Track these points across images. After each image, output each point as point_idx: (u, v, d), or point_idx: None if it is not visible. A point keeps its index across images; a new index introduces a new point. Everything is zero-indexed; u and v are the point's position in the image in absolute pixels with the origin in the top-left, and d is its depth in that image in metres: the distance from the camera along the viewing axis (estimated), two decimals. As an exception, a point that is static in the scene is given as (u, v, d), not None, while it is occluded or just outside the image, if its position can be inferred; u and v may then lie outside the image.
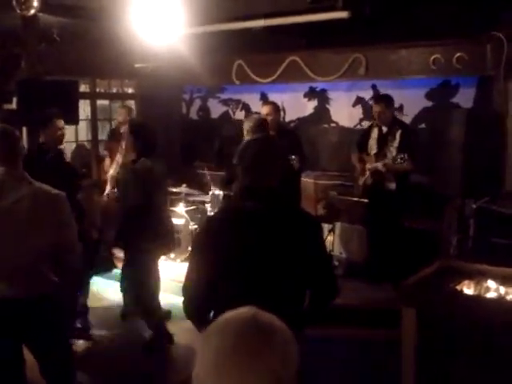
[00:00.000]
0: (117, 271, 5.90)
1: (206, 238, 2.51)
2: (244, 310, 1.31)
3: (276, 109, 6.04)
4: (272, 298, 2.33)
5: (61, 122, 4.98)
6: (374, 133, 5.86)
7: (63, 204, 3.01)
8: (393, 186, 5.67)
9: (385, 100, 5.78)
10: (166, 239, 4.80)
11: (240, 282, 2.37)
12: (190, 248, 6.42)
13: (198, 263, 2.48)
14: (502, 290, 3.31)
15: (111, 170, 6.38)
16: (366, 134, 5.98)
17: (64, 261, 3.06)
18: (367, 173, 5.76)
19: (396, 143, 5.61)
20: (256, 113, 7.74)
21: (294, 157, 5.49)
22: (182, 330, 4.84)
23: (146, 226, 4.56)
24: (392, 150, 5.61)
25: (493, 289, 3.32)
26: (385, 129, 5.76)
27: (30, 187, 2.93)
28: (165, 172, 4.75)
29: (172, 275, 6.13)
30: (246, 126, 5.51)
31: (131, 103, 8.85)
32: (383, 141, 5.70)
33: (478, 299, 3.26)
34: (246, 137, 5.37)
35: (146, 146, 4.62)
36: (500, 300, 3.27)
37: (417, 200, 5.90)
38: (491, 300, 3.26)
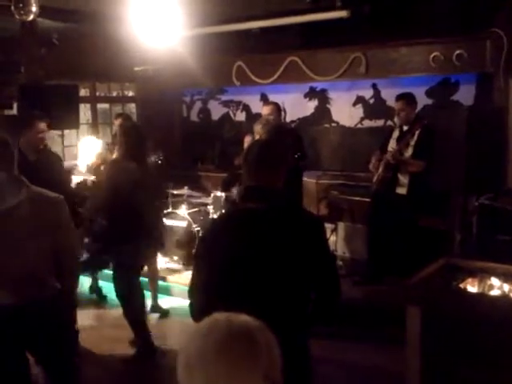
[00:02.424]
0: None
1: (210, 240, 2.51)
2: (216, 320, 1.30)
3: (277, 109, 6.05)
4: (276, 298, 2.34)
5: (43, 125, 4.75)
6: (395, 133, 5.82)
7: (62, 207, 3.00)
8: (403, 190, 5.62)
9: (406, 97, 5.70)
10: (150, 243, 4.76)
11: (244, 283, 2.37)
12: (193, 250, 6.43)
13: (202, 265, 2.48)
14: (506, 287, 3.30)
15: None
16: (388, 135, 5.94)
17: (64, 264, 3.05)
18: (380, 169, 5.73)
19: (413, 142, 5.56)
20: (256, 114, 7.76)
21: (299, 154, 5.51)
22: (179, 332, 4.83)
23: (128, 229, 4.49)
24: (409, 149, 5.58)
25: (496, 286, 3.31)
26: (406, 128, 5.71)
27: (28, 191, 2.92)
28: (148, 175, 4.65)
29: (175, 277, 6.14)
30: (257, 129, 5.52)
31: (132, 106, 8.87)
32: (402, 139, 5.66)
33: (482, 297, 3.25)
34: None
35: (132, 146, 4.55)
36: (504, 297, 3.26)
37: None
38: (495, 298, 3.25)
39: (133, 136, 4.61)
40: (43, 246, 2.93)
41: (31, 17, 4.96)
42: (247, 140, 6.15)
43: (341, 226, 6.64)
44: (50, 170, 4.71)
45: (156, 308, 5.60)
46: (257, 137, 5.52)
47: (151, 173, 4.70)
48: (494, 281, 3.34)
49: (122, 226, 4.50)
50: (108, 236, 4.66)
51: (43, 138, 4.82)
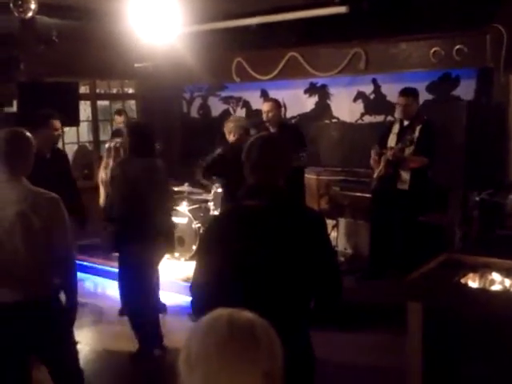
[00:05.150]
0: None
1: (211, 237, 2.52)
2: (219, 317, 1.30)
3: (277, 105, 6.05)
4: (278, 295, 2.34)
5: (58, 123, 4.90)
6: (395, 128, 5.77)
7: (58, 206, 2.99)
8: (405, 186, 5.60)
9: (412, 93, 5.66)
10: (162, 240, 4.66)
11: (246, 280, 2.37)
12: (194, 247, 6.44)
13: (204, 262, 2.48)
14: (507, 282, 3.30)
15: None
16: (388, 129, 5.89)
17: (61, 264, 3.05)
18: (381, 165, 5.70)
19: (415, 138, 5.50)
20: (256, 110, 7.77)
21: (303, 154, 5.51)
22: (178, 328, 4.83)
23: (138, 227, 4.45)
24: (411, 146, 5.54)
25: (498, 281, 3.30)
26: (406, 123, 5.67)
27: (23, 190, 2.93)
28: (160, 171, 4.65)
29: (177, 274, 6.14)
30: (229, 127, 5.62)
31: (132, 103, 8.87)
32: (402, 135, 5.62)
33: (483, 292, 3.25)
34: (229, 138, 5.55)
35: (138, 145, 4.55)
36: (505, 292, 3.26)
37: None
38: (496, 293, 3.25)
39: (138, 134, 4.62)
40: (40, 245, 2.92)
41: (30, 14, 4.98)
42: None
43: (342, 221, 6.64)
44: (62, 167, 4.84)
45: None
46: (228, 135, 5.59)
47: (160, 170, 4.68)
48: (495, 276, 3.33)
49: (132, 224, 4.47)
50: (118, 235, 4.65)
51: (59, 135, 5.06)
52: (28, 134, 3.07)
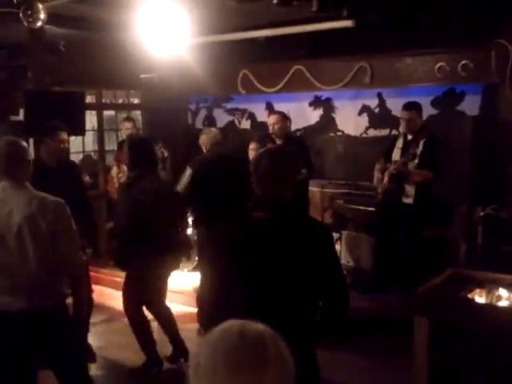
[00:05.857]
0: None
1: (218, 249, 2.52)
2: (229, 328, 1.28)
3: (283, 117, 6.08)
4: (284, 306, 2.34)
5: (64, 135, 4.83)
6: (399, 142, 5.76)
7: (63, 211, 3.00)
8: (410, 200, 5.57)
9: (416, 107, 5.66)
10: (168, 255, 4.55)
11: (252, 292, 2.37)
12: (197, 258, 6.42)
13: (210, 274, 2.48)
14: (514, 298, 3.29)
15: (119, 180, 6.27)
16: (392, 144, 5.88)
17: (67, 271, 3.05)
18: (385, 179, 5.69)
19: (419, 152, 5.50)
20: (261, 122, 7.79)
21: (304, 170, 5.50)
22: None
23: (144, 244, 4.39)
24: (415, 159, 5.53)
25: (504, 297, 3.30)
26: (410, 137, 5.66)
27: (29, 195, 2.94)
28: (165, 186, 4.62)
29: (179, 285, 6.12)
30: (202, 139, 5.64)
31: (137, 113, 8.89)
32: (406, 149, 5.60)
33: (490, 308, 3.24)
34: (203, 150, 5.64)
35: (139, 160, 4.48)
36: (512, 308, 3.25)
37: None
38: (503, 308, 3.24)
39: (138, 149, 4.56)
40: (47, 249, 2.92)
41: (39, 24, 4.99)
42: (252, 147, 6.19)
43: (345, 234, 6.63)
44: (70, 178, 4.78)
45: None
46: (202, 148, 5.63)
47: (163, 183, 4.64)
48: (502, 291, 3.33)
49: (132, 240, 4.43)
50: (125, 250, 4.57)
51: (65, 148, 4.91)
52: (22, 140, 3.10)
